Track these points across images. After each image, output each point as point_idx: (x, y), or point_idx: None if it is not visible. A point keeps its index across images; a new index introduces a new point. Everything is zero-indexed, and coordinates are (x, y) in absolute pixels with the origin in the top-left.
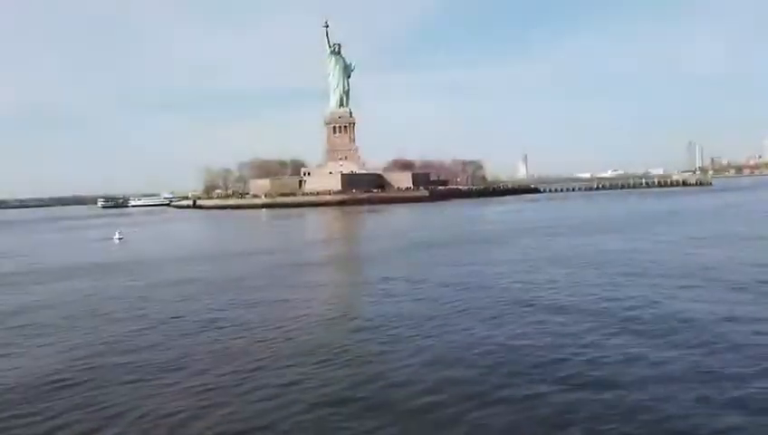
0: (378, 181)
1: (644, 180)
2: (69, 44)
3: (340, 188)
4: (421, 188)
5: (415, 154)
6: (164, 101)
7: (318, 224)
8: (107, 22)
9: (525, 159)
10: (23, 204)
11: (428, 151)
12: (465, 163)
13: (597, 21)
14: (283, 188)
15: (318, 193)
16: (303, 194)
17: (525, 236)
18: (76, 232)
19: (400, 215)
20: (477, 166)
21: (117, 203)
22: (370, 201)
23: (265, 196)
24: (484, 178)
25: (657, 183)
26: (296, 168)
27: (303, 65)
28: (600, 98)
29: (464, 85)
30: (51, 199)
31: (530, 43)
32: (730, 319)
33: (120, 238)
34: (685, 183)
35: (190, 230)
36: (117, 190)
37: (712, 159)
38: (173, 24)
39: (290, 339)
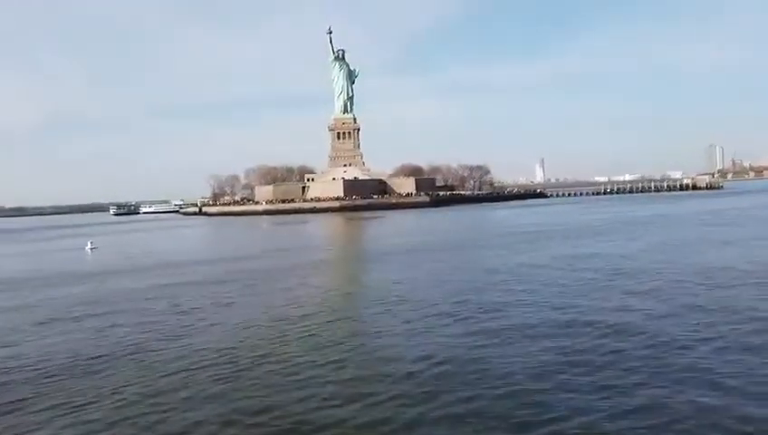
0: (380, 187)
1: (653, 184)
2: (84, 54)
3: (341, 194)
4: (422, 193)
5: (431, 158)
6: (180, 108)
7: (309, 230)
8: (110, 25)
9: (542, 162)
10: (40, 211)
11: (445, 155)
12: (471, 168)
13: (616, 21)
14: (286, 194)
15: (319, 199)
16: (306, 200)
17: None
18: (60, 241)
19: (391, 221)
20: (484, 171)
21: (128, 210)
22: (370, 207)
23: (266, 202)
24: (491, 183)
25: (666, 187)
26: (303, 174)
27: (317, 69)
28: (619, 99)
29: (480, 88)
30: (69, 207)
31: (546, 45)
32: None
33: (92, 248)
34: (695, 186)
35: (175, 237)
36: (136, 197)
37: (733, 162)
38: (186, 29)
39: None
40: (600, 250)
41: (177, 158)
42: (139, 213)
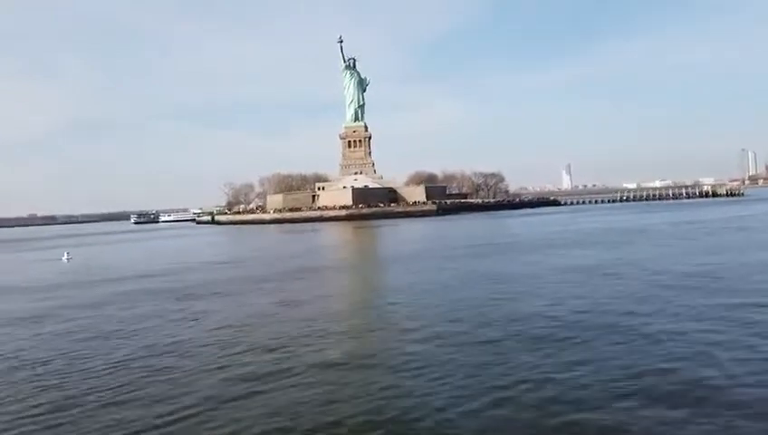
0: (391, 195)
1: (671, 192)
2: (104, 59)
3: (350, 202)
4: (428, 202)
5: (453, 165)
6: (203, 114)
7: (306, 239)
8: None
9: (569, 168)
10: (69, 220)
11: (468, 162)
12: (486, 176)
13: (645, 24)
14: (296, 203)
15: (326, 208)
16: (314, 209)
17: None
18: (46, 251)
19: (389, 230)
20: (499, 178)
21: (148, 219)
22: (376, 216)
23: (274, 211)
24: (507, 190)
25: (685, 194)
26: (317, 182)
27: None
28: (650, 103)
29: (505, 93)
30: (99, 215)
31: (572, 49)
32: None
33: (68, 259)
34: (715, 194)
35: (168, 247)
36: (161, 205)
37: (766, 167)
38: (203, 36)
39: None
40: (502, 269)
41: (200, 164)
42: (158, 221)
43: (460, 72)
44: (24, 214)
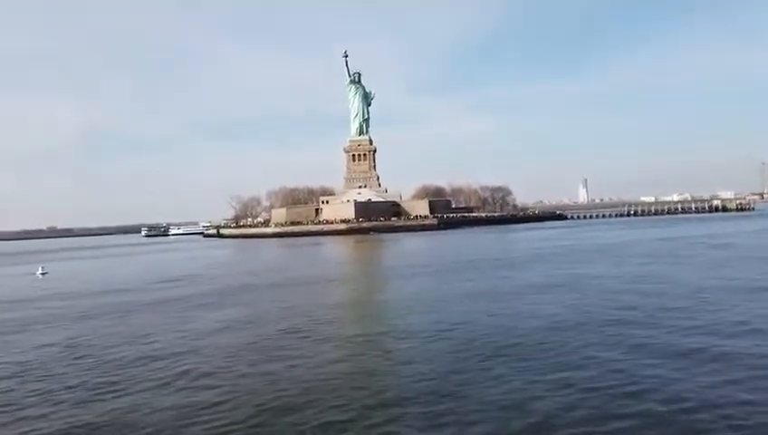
0: (394, 209)
1: (679, 206)
2: (128, 72)
3: (353, 216)
4: (429, 216)
5: (462, 178)
6: (213, 127)
7: (299, 255)
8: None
9: (585, 182)
10: (86, 232)
11: (484, 175)
12: (492, 189)
13: (663, 36)
14: (298, 216)
15: (327, 222)
16: (316, 223)
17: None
18: (27, 266)
19: (387, 245)
20: (506, 192)
21: (159, 232)
22: (376, 230)
23: (275, 225)
24: (514, 204)
25: (694, 209)
26: (323, 196)
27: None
28: (668, 116)
29: (521, 105)
30: (117, 228)
31: (590, 62)
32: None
33: (43, 274)
34: (725, 208)
35: (146, 263)
36: (174, 218)
37: None
38: (224, 46)
39: None
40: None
41: (211, 177)
42: (168, 234)
43: (475, 84)
44: (44, 226)
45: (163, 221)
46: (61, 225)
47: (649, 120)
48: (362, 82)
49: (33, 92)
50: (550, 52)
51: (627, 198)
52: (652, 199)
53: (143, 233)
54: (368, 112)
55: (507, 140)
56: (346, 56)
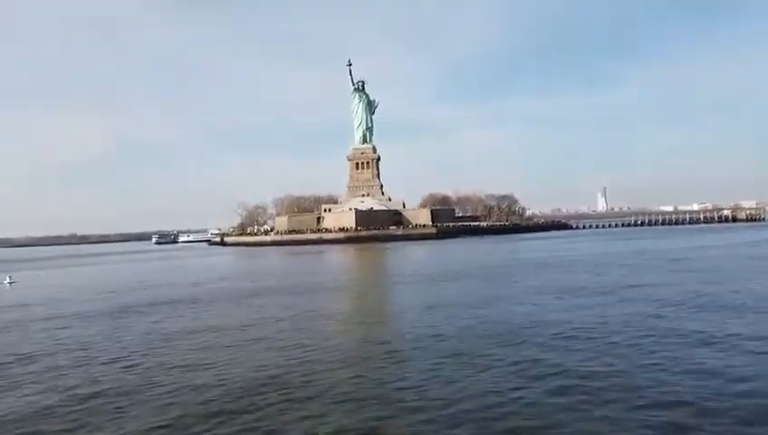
0: (396, 218)
1: (688, 216)
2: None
3: (353, 225)
4: (428, 225)
5: (485, 185)
6: (230, 136)
7: (270, 263)
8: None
9: (604, 191)
10: (104, 239)
11: (503, 183)
12: (498, 198)
13: (684, 45)
14: (300, 225)
15: (326, 230)
16: (315, 231)
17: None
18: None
19: (382, 254)
20: (511, 200)
21: (168, 239)
22: (375, 239)
23: (275, 233)
24: (520, 213)
25: (702, 219)
26: (329, 204)
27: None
28: (689, 124)
29: (541, 115)
30: (133, 235)
31: (608, 71)
32: None
33: (10, 283)
34: (735, 219)
35: (140, 270)
36: (191, 225)
37: None
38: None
39: None
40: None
41: (226, 186)
42: (177, 242)
43: (498, 95)
44: (65, 233)
45: (176, 229)
46: (82, 232)
47: (674, 129)
48: (366, 90)
49: (63, 108)
50: (572, 63)
51: (647, 207)
52: (671, 209)
53: (153, 240)
54: (371, 121)
55: (526, 149)
56: (350, 65)
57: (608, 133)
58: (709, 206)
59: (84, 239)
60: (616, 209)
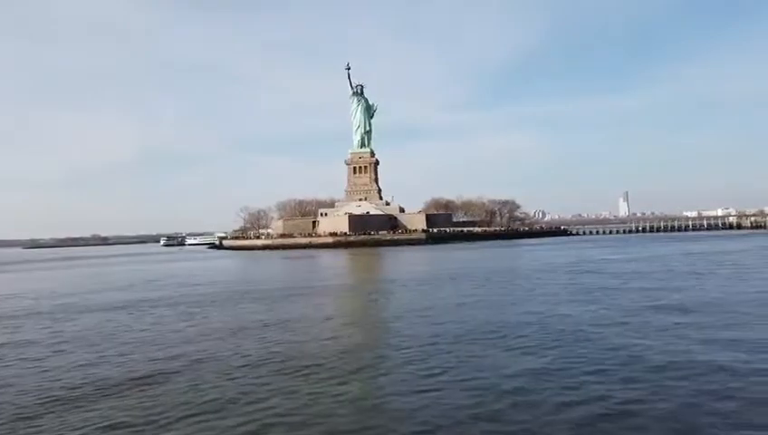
0: (391, 222)
1: (691, 223)
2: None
3: (347, 229)
4: (418, 230)
5: (499, 190)
6: (262, 144)
7: (252, 268)
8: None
9: (626, 196)
10: (120, 241)
11: (523, 189)
12: (500, 203)
13: (705, 48)
14: (295, 229)
15: (318, 235)
16: (307, 235)
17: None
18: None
19: (367, 259)
20: (512, 205)
21: (176, 241)
22: (365, 243)
23: (265, 237)
24: (523, 218)
25: (705, 226)
26: (330, 207)
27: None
28: (714, 129)
29: (562, 119)
30: (149, 236)
31: (631, 74)
32: None
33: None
34: (739, 226)
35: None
36: (205, 228)
37: None
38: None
39: None
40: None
41: (239, 190)
42: (184, 244)
43: (517, 99)
44: (87, 234)
45: (186, 232)
46: (105, 233)
47: (697, 134)
48: (365, 94)
49: (94, 111)
50: (592, 68)
51: (670, 212)
52: (695, 214)
53: (162, 242)
54: (370, 125)
55: (547, 154)
56: (349, 69)
57: (630, 137)
58: (733, 211)
59: (105, 241)
60: (638, 214)
